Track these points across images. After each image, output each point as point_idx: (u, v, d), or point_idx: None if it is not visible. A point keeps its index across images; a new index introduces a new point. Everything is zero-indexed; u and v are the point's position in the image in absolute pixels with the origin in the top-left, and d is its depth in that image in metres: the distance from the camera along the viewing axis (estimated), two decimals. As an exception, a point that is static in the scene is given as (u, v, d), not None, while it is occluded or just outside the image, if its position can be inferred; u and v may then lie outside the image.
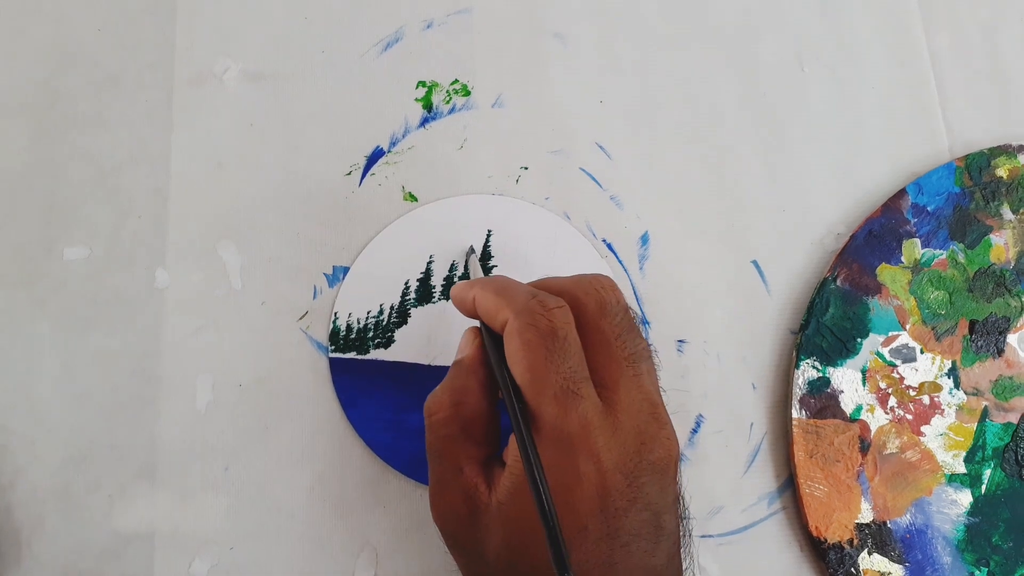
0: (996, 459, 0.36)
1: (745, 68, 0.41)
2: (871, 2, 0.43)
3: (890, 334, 0.37)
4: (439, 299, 0.37)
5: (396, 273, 0.37)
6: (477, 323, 0.30)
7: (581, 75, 0.41)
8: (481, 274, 0.35)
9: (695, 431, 0.37)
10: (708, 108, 0.41)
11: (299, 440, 0.35)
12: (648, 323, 0.38)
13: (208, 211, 0.38)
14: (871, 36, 0.42)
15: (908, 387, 0.37)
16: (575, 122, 0.40)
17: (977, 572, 0.35)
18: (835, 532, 0.35)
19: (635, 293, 0.38)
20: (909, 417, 0.37)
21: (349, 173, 0.38)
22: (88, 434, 0.35)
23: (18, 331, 0.36)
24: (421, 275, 0.37)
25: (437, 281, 0.37)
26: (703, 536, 0.36)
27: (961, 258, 0.38)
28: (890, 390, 0.37)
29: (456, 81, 0.40)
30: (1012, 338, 0.38)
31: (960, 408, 0.37)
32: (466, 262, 0.37)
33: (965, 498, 0.36)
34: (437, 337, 0.36)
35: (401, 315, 0.37)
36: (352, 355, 0.36)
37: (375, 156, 0.39)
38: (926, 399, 0.37)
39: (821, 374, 0.37)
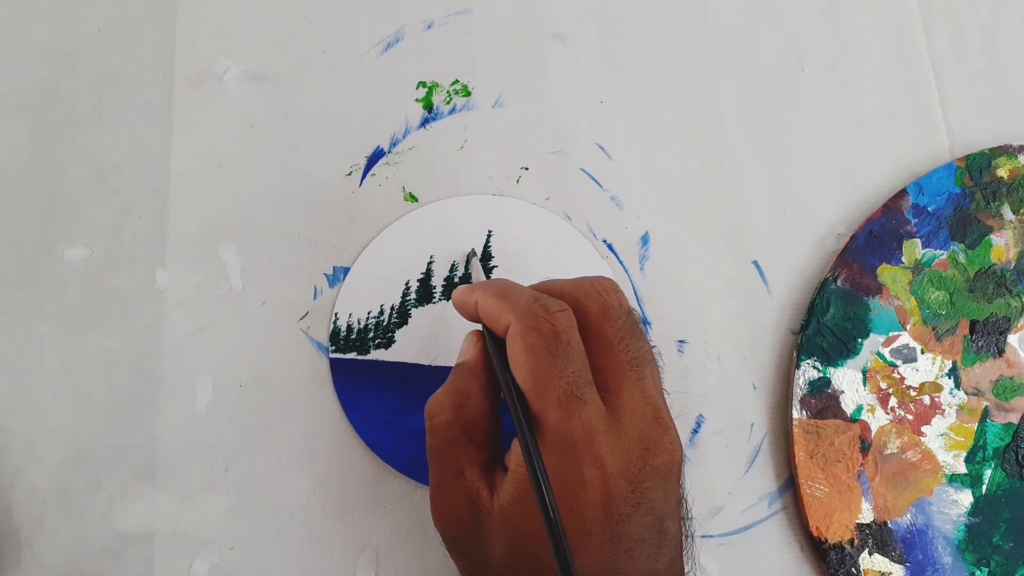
0: (997, 459, 0.36)
1: (745, 68, 0.41)
2: (871, 2, 0.43)
3: (891, 334, 0.37)
4: (440, 299, 0.37)
5: (396, 273, 0.37)
6: (479, 326, 0.30)
7: (581, 75, 0.41)
8: (483, 277, 0.35)
9: (695, 431, 0.37)
10: (708, 108, 0.41)
11: (299, 440, 0.35)
12: (649, 323, 0.38)
13: (208, 211, 0.38)
14: (871, 36, 0.42)
15: (909, 387, 0.37)
16: (575, 122, 0.40)
17: (978, 572, 0.35)
18: (836, 532, 0.35)
19: (636, 293, 0.38)
20: (910, 417, 0.37)
21: (349, 173, 0.38)
22: (88, 434, 0.35)
23: (18, 331, 0.36)
24: (421, 275, 0.37)
25: (437, 281, 0.37)
26: (703, 536, 0.36)
27: (962, 258, 0.38)
28: (891, 390, 0.37)
29: (456, 81, 0.40)
30: (1013, 338, 0.38)
31: (961, 408, 0.37)
32: (467, 264, 0.37)
33: (966, 498, 0.36)
34: (438, 337, 0.36)
35: (402, 315, 0.36)
36: (353, 355, 0.36)
37: (375, 156, 0.39)
38: (927, 399, 0.37)
39: (822, 374, 0.37)
